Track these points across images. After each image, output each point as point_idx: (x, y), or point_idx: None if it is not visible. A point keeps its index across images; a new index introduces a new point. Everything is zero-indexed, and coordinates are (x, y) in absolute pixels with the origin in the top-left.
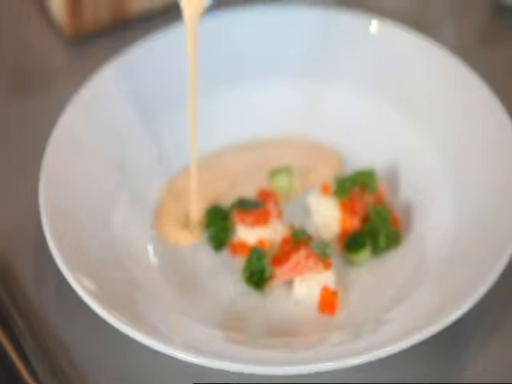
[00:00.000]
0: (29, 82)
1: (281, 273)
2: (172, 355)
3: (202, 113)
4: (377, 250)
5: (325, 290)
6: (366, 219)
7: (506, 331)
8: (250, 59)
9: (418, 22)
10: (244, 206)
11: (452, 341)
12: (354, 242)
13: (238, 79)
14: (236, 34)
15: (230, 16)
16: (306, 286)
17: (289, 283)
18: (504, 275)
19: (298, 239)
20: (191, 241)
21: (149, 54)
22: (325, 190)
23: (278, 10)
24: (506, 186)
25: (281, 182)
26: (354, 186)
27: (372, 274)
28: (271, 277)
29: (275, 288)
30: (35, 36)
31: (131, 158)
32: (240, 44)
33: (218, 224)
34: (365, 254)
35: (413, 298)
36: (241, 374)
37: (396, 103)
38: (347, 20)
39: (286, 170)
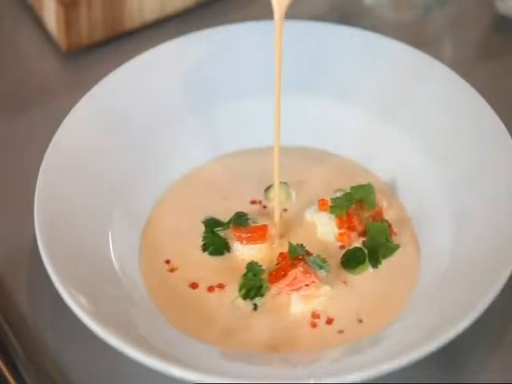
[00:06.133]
0: (24, 96)
1: (278, 289)
2: (169, 373)
3: (197, 124)
4: (375, 266)
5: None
6: (364, 234)
7: (506, 347)
8: (249, 73)
9: (417, 36)
10: (241, 222)
11: (452, 358)
12: (351, 258)
13: (235, 92)
14: (238, 47)
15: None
16: (303, 301)
17: (286, 299)
18: (504, 290)
19: (295, 255)
20: None
21: (144, 69)
22: (322, 205)
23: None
24: (506, 203)
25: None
26: (351, 202)
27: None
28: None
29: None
30: (30, 50)
31: (126, 174)
32: (238, 57)
33: (214, 237)
34: (363, 271)
35: (410, 313)
36: None
37: (394, 117)
38: (348, 35)
39: (282, 185)
